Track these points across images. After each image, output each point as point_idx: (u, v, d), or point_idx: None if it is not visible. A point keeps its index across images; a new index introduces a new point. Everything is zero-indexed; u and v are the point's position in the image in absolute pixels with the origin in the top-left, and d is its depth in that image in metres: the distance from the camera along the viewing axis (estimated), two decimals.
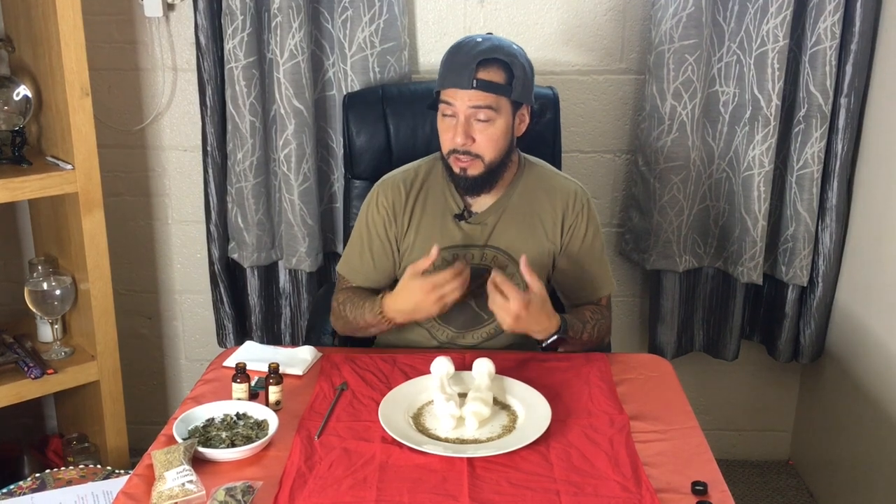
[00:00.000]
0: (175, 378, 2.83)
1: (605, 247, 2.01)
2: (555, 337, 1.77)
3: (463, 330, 1.92)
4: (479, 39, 1.78)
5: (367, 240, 1.93)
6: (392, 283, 1.94)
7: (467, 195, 1.88)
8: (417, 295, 1.72)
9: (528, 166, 1.94)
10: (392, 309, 1.79)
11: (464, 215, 1.89)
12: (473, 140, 1.78)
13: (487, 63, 1.75)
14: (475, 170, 1.80)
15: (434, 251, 1.73)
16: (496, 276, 1.70)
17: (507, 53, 1.77)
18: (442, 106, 1.80)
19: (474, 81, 1.73)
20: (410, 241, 1.91)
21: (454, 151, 1.80)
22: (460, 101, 1.76)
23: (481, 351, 1.85)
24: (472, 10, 2.42)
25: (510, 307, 1.67)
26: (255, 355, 1.84)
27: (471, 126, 1.77)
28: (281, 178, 2.42)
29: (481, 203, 1.89)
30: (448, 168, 1.85)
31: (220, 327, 2.60)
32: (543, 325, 1.75)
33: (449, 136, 1.80)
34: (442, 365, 1.66)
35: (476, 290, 1.85)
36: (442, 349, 1.91)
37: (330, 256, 2.56)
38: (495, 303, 1.70)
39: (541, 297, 1.72)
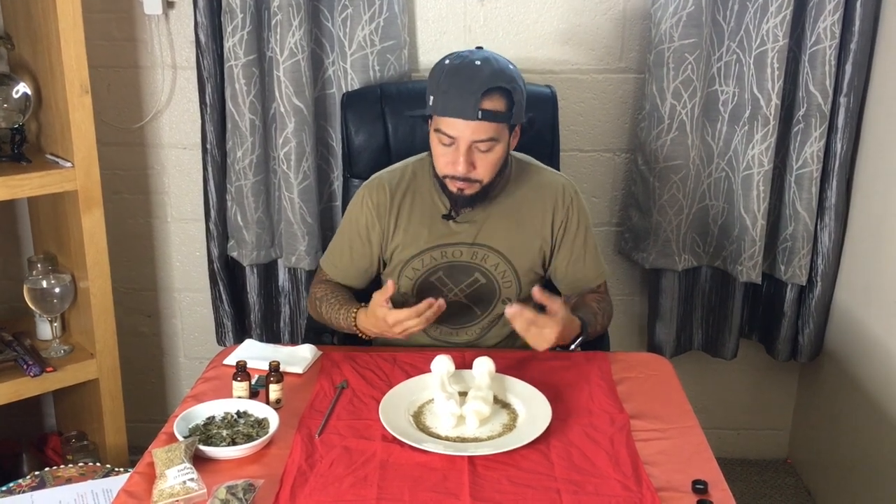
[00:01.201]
0: (174, 376, 2.83)
1: (598, 239, 2.06)
2: (579, 339, 1.81)
3: (455, 327, 1.93)
4: (478, 63, 1.72)
5: (349, 239, 1.95)
6: (369, 285, 1.96)
7: (461, 209, 1.87)
8: (381, 325, 1.76)
9: (515, 164, 1.93)
10: (364, 326, 1.83)
11: (451, 214, 1.88)
12: (474, 167, 1.76)
13: (490, 92, 1.70)
14: (472, 190, 1.80)
15: (390, 285, 1.75)
16: (522, 312, 1.70)
17: (508, 80, 1.72)
18: (440, 136, 1.76)
19: (479, 112, 1.69)
20: (399, 241, 1.92)
21: (453, 177, 1.78)
22: (462, 132, 1.72)
23: (481, 350, 1.85)
24: (473, 8, 2.42)
25: (547, 335, 1.71)
26: (255, 353, 1.84)
27: (472, 154, 1.75)
28: (280, 176, 2.42)
29: None
30: (442, 184, 1.83)
31: (219, 325, 2.60)
32: (572, 336, 1.80)
33: (447, 161, 1.77)
34: (442, 363, 1.67)
35: (467, 287, 1.90)
36: (433, 346, 1.93)
37: None
38: (529, 333, 1.72)
39: (566, 315, 1.74)
